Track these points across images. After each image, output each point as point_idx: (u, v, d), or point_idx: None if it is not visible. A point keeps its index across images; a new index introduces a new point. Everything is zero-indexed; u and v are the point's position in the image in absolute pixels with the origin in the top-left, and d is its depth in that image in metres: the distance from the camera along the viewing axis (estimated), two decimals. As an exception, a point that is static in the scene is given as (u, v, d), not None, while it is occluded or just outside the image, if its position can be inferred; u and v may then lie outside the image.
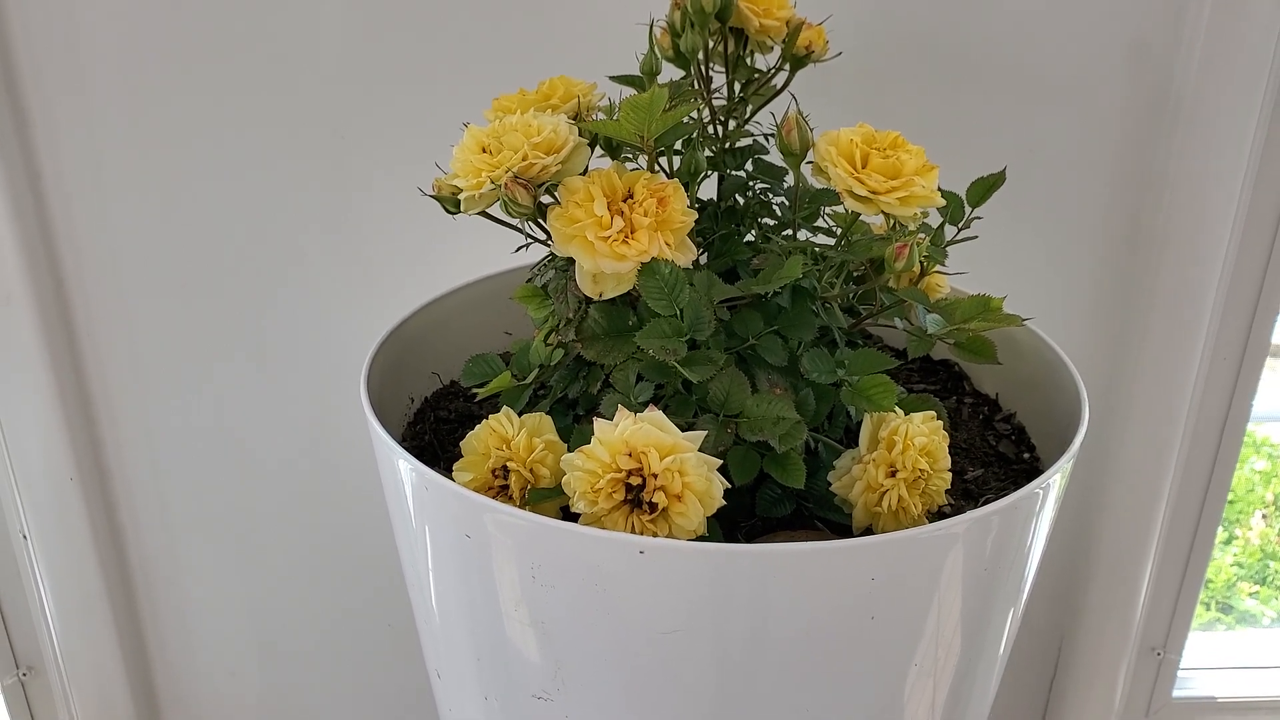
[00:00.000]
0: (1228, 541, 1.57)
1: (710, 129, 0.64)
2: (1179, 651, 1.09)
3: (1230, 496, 1.17)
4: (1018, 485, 0.63)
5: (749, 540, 0.57)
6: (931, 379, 0.75)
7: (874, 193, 0.52)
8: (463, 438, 0.56)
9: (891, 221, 0.55)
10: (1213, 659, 1.17)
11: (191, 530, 1.02)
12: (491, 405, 0.61)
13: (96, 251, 0.89)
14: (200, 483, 1.00)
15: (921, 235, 0.55)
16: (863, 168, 0.52)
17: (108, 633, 1.04)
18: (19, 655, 1.05)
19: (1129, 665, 1.06)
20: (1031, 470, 0.65)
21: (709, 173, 0.61)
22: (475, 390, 0.61)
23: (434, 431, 0.68)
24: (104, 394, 0.95)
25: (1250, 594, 1.47)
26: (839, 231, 0.60)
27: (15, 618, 1.03)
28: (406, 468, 0.55)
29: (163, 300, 0.91)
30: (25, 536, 0.98)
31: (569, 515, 0.52)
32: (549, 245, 0.56)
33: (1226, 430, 0.99)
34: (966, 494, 0.62)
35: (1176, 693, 1.12)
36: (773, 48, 0.65)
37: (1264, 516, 1.66)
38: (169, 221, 0.88)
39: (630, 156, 0.58)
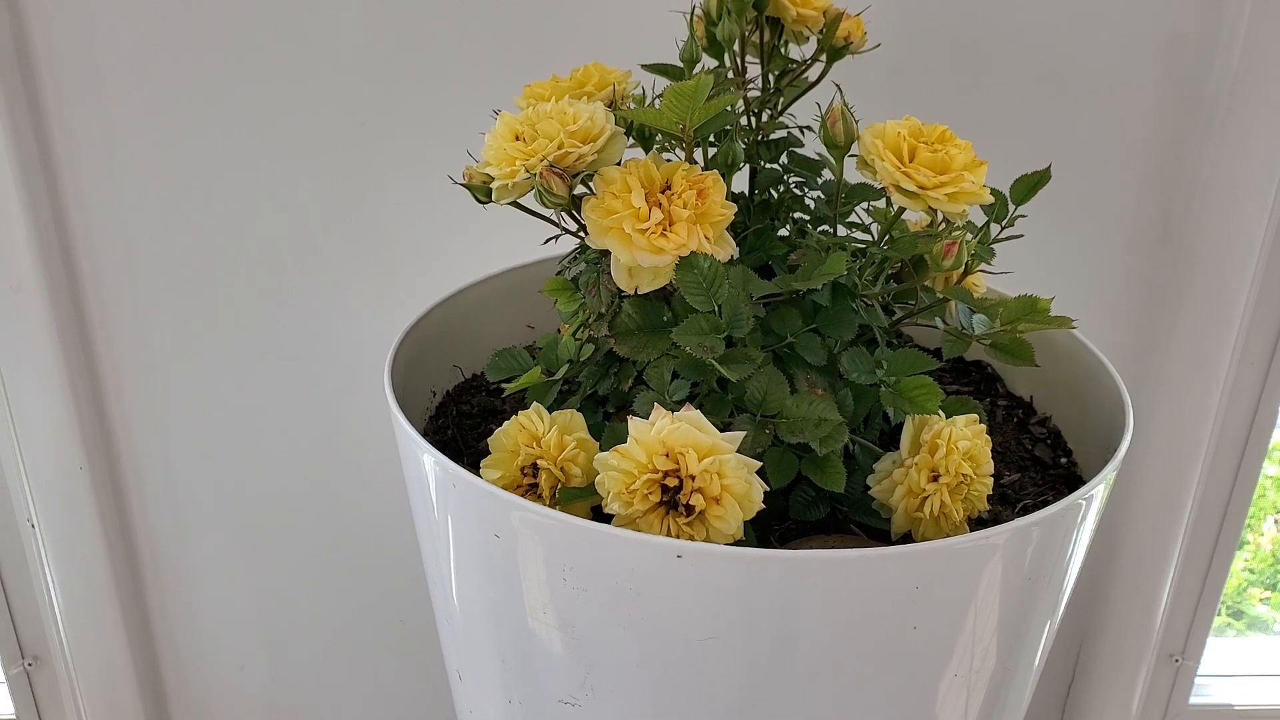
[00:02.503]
0: (1239, 547, 1.56)
1: (745, 120, 0.62)
2: (1197, 658, 1.08)
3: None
4: (1055, 490, 0.62)
5: (782, 543, 0.55)
6: (965, 380, 0.73)
7: (922, 188, 0.50)
8: (486, 433, 0.55)
9: (939, 218, 0.53)
10: (1230, 667, 1.16)
11: (201, 521, 1.01)
12: (516, 401, 0.59)
13: (109, 239, 0.87)
14: (211, 473, 0.98)
15: (969, 233, 0.54)
16: (910, 162, 0.50)
17: (114, 623, 1.03)
18: (25, 645, 1.04)
19: (1147, 671, 1.05)
20: (1069, 476, 0.63)
21: (742, 165, 0.59)
22: (500, 385, 0.59)
23: (456, 426, 0.66)
24: (115, 383, 0.93)
25: (1261, 600, 1.46)
26: (875, 227, 0.59)
27: (22, 607, 1.02)
28: (432, 463, 0.53)
29: (176, 290, 0.90)
30: (33, 525, 0.96)
31: (599, 515, 0.51)
32: (581, 237, 0.54)
33: (1252, 436, 0.97)
34: (1004, 499, 0.60)
35: (1193, 699, 1.11)
36: (809, 38, 0.63)
37: (1276, 522, 1.64)
38: (183, 211, 0.87)
39: (666, 147, 0.57)
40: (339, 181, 0.86)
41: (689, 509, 0.47)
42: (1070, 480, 0.63)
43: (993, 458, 0.63)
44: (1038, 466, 0.64)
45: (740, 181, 0.62)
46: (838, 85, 0.56)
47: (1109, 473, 0.54)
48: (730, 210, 0.52)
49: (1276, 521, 1.67)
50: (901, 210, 0.53)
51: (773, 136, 0.63)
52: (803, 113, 0.64)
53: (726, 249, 0.52)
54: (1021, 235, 0.58)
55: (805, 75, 0.64)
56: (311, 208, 0.87)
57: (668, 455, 0.47)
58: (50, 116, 0.82)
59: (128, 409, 0.95)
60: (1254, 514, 1.64)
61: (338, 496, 0.99)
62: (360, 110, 0.83)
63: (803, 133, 0.64)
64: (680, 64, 0.60)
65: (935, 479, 0.51)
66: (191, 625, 1.06)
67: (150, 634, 1.07)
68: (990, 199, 0.52)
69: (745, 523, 0.50)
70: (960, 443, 0.51)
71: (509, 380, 0.58)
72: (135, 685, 1.06)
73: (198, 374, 0.93)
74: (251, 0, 0.79)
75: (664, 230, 0.50)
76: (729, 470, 0.47)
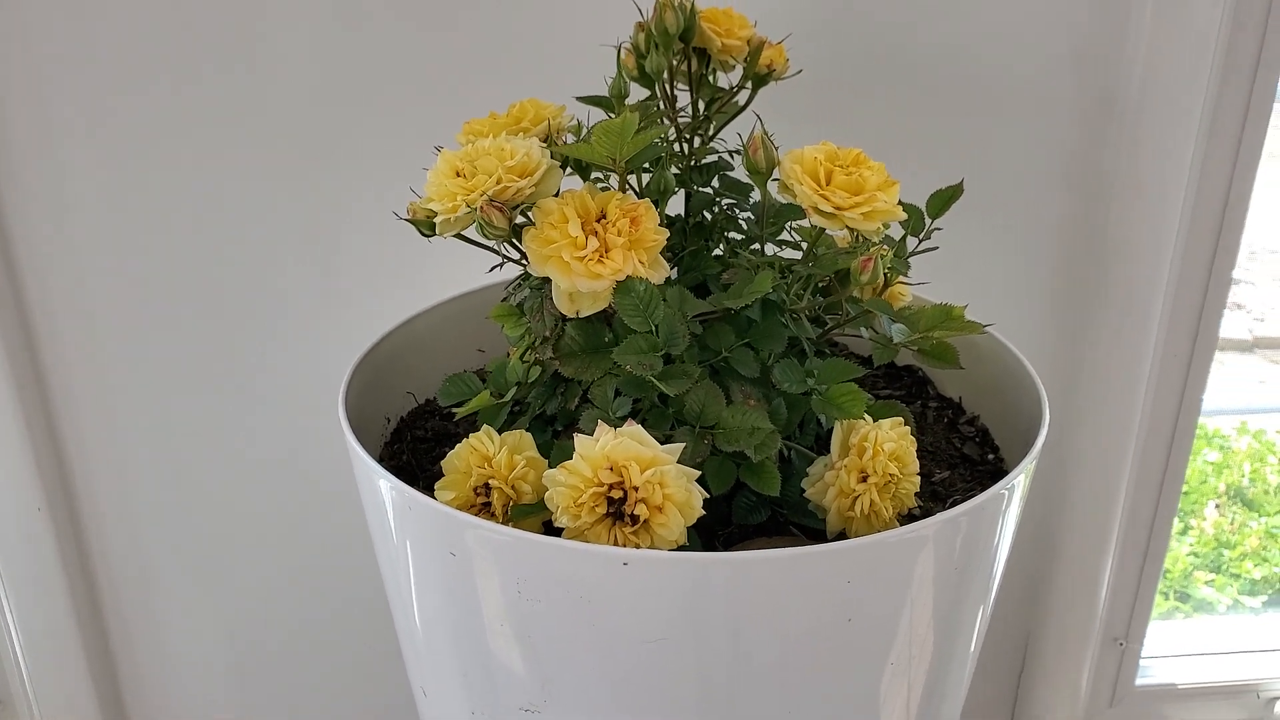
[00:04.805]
0: (1183, 532, 1.62)
1: (676, 147, 0.66)
2: (1140, 641, 1.12)
3: (1185, 488, 1.21)
4: (984, 486, 0.65)
5: (726, 547, 0.58)
6: (896, 384, 0.77)
7: (838, 209, 0.53)
8: (440, 456, 0.57)
9: (855, 235, 0.56)
10: (1173, 647, 1.20)
11: (163, 559, 1.01)
12: (469, 424, 0.61)
13: (62, 277, 0.88)
14: (171, 510, 0.99)
15: (885, 248, 0.57)
16: (827, 184, 0.54)
17: (78, 665, 1.03)
18: (-13, 689, 1.03)
19: (1093, 656, 1.09)
20: (996, 471, 0.67)
21: (676, 190, 0.62)
22: (452, 409, 0.62)
23: (411, 451, 0.68)
24: (72, 422, 0.94)
25: (1206, 582, 1.52)
26: (804, 245, 0.62)
27: (-18, 651, 1.01)
28: (388, 488, 0.55)
29: (132, 325, 0.90)
30: (-8, 569, 0.96)
31: (550, 530, 0.53)
32: (524, 265, 0.57)
33: (1179, 424, 1.02)
34: (935, 496, 0.64)
35: (1139, 681, 1.15)
36: (735, 66, 0.66)
37: (1217, 506, 1.71)
38: (138, 245, 0.88)
39: (601, 177, 0.60)
40: (291, 215, 0.88)
41: (634, 519, 0.50)
42: (997, 475, 0.66)
43: (924, 457, 0.67)
44: (967, 464, 0.67)
45: (678, 205, 0.66)
46: (758, 115, 0.59)
47: (1028, 463, 0.58)
48: (663, 235, 0.55)
49: (1217, 506, 1.73)
50: (822, 230, 0.56)
51: (704, 161, 0.66)
52: (735, 136, 0.67)
53: (661, 272, 0.55)
54: (937, 248, 0.62)
55: (735, 101, 0.67)
56: (267, 240, 0.88)
57: (612, 469, 0.50)
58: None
59: (84, 448, 0.95)
60: (1196, 500, 1.70)
61: (299, 526, 1.00)
62: (311, 143, 0.85)
63: (732, 156, 0.67)
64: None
65: (864, 479, 0.54)
66: (155, 662, 1.06)
67: (114, 673, 1.07)
68: (903, 216, 0.56)
69: (691, 529, 0.52)
70: (886, 444, 0.54)
71: (460, 404, 0.60)
72: (102, 724, 1.06)
73: (154, 410, 0.94)
74: (205, 35, 0.81)
75: (600, 257, 0.53)
76: (670, 480, 0.50)
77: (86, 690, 1.04)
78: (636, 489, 0.50)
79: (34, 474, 0.94)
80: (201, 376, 0.93)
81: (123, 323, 0.91)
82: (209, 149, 0.84)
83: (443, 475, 0.57)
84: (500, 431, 0.57)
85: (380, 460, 0.68)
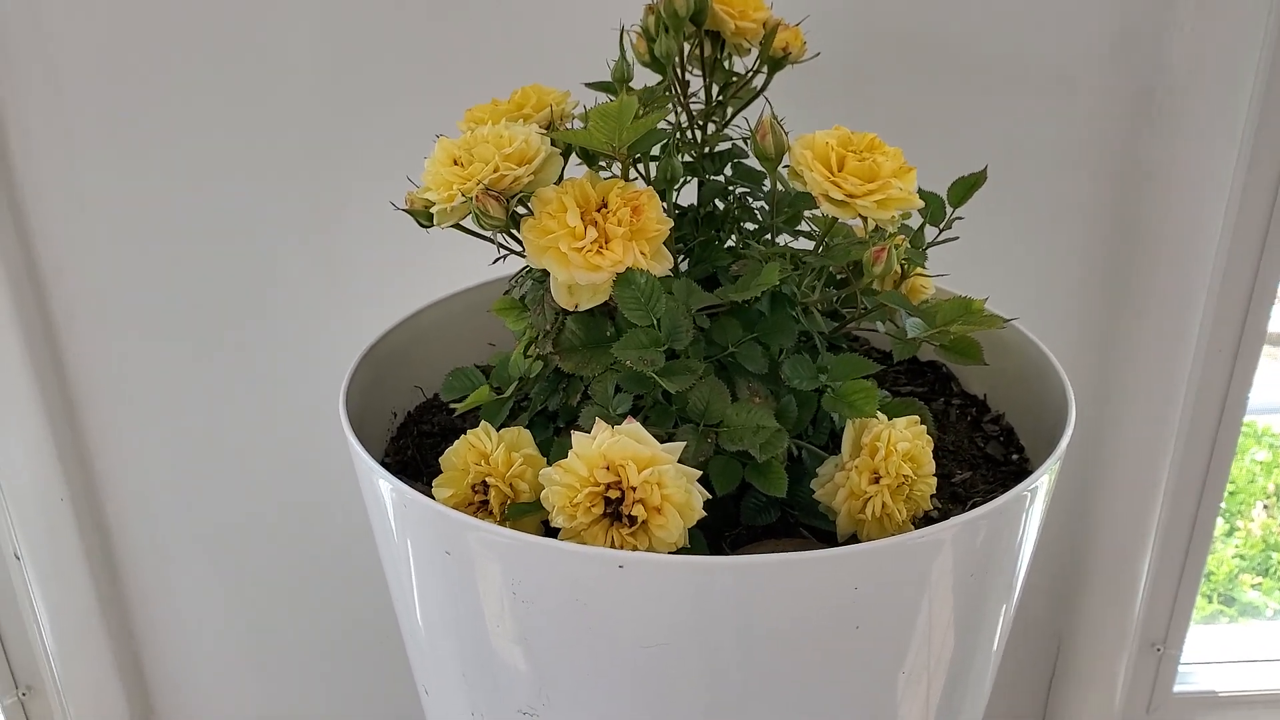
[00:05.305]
0: (1229, 533, 1.57)
1: (688, 134, 0.63)
2: (1179, 647, 1.08)
3: (1231, 488, 1.16)
4: (1006, 488, 0.62)
5: (734, 549, 0.56)
6: (919, 380, 0.74)
7: (850, 196, 0.51)
8: (445, 451, 0.56)
9: (871, 224, 0.54)
10: (1214, 653, 1.16)
11: (183, 548, 1.02)
12: (473, 418, 0.60)
13: (80, 276, 0.89)
14: (190, 501, 0.99)
15: (901, 237, 0.55)
16: (839, 171, 0.51)
17: (103, 650, 1.04)
18: (17, 675, 1.05)
19: (1129, 661, 1.05)
20: (1020, 472, 0.64)
21: (688, 178, 0.60)
22: (455, 404, 0.60)
23: (417, 446, 0.67)
24: (92, 415, 0.95)
25: (1253, 586, 1.46)
26: (819, 235, 0.60)
27: (12, 638, 1.03)
28: (387, 487, 0.54)
29: (146, 321, 0.91)
30: (18, 557, 0.97)
31: (550, 529, 0.51)
32: (524, 257, 0.55)
33: (1223, 422, 0.98)
34: (955, 497, 0.61)
35: (1178, 688, 1.11)
36: (750, 50, 0.64)
37: (1265, 507, 1.65)
38: (149, 244, 0.88)
39: (606, 166, 0.58)
40: (296, 209, 0.87)
41: (631, 520, 0.48)
42: (1021, 476, 0.63)
43: (945, 456, 0.64)
44: (989, 464, 0.65)
45: (690, 193, 0.63)
46: (768, 99, 0.57)
47: (1051, 464, 0.55)
48: (666, 225, 0.53)
49: (1265, 507, 1.67)
50: (835, 219, 0.54)
51: (718, 148, 0.64)
52: (749, 123, 0.65)
53: (664, 263, 0.53)
54: (957, 238, 0.59)
55: (750, 86, 0.65)
56: (272, 235, 0.88)
57: (608, 468, 0.48)
58: (15, 159, 0.83)
59: (105, 439, 0.96)
60: (1243, 500, 1.64)
61: (316, 516, 1.00)
62: (315, 136, 0.84)
63: (746, 143, 0.65)
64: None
65: (876, 481, 0.52)
66: (177, 648, 1.07)
67: (138, 658, 1.08)
68: (919, 204, 0.53)
69: (695, 530, 0.51)
70: (900, 444, 0.52)
71: (461, 399, 0.59)
72: (126, 709, 1.07)
73: (171, 403, 0.94)
74: (209, 32, 0.80)
75: (600, 248, 0.51)
76: (668, 480, 0.48)
77: (111, 675, 1.05)
78: (634, 489, 0.48)
79: (57, 466, 0.95)
80: (214, 371, 0.93)
81: (138, 319, 0.91)
82: (216, 145, 0.84)
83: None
84: (502, 427, 0.56)
85: (385, 455, 0.67)
